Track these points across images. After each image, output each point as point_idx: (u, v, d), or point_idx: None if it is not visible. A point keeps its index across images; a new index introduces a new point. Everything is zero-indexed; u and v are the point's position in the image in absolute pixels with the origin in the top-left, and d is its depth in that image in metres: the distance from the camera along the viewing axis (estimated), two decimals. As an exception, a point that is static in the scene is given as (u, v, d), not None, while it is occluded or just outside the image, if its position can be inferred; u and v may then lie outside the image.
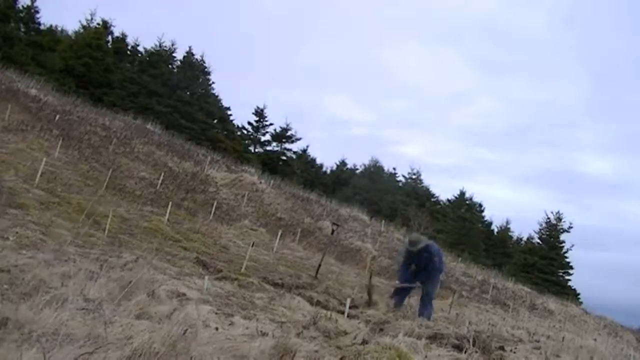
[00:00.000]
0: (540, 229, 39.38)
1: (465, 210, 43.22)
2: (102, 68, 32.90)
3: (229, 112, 39.96)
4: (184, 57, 37.76)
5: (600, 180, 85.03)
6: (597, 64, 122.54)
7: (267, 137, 41.82)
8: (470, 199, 44.16)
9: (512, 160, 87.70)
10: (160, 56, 36.87)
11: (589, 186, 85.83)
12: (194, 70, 37.58)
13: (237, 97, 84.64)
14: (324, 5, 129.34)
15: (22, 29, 33.27)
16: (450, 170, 76.32)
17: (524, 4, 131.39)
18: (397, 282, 8.14)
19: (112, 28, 37.62)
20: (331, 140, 72.68)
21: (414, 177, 48.85)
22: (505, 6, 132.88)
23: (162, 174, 15.55)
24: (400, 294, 7.95)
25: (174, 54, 37.85)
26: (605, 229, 76.38)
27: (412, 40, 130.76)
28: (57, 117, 17.64)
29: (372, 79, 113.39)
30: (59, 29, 38.42)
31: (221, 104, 39.22)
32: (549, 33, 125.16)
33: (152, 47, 37.48)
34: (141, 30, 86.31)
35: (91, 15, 36.07)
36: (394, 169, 50.39)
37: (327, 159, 71.86)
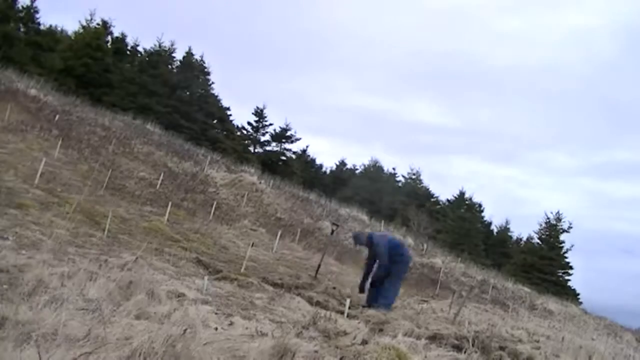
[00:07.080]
0: (540, 229, 39.45)
1: (464, 210, 43.27)
2: (102, 68, 32.82)
3: (228, 112, 40.00)
4: (184, 57, 37.77)
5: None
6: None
7: (267, 137, 41.92)
8: (470, 199, 44.23)
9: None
10: (160, 56, 36.87)
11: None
12: (194, 70, 37.58)
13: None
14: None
15: (22, 29, 33.15)
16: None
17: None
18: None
19: (111, 28, 37.48)
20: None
21: (413, 177, 48.89)
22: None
23: (162, 174, 15.54)
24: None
25: (173, 54, 37.87)
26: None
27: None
28: (57, 117, 17.63)
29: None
30: (59, 29, 38.30)
31: (221, 104, 39.26)
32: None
33: (151, 47, 37.51)
34: (141, 30, 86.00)
35: (91, 15, 35.90)
36: (394, 169, 50.48)
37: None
